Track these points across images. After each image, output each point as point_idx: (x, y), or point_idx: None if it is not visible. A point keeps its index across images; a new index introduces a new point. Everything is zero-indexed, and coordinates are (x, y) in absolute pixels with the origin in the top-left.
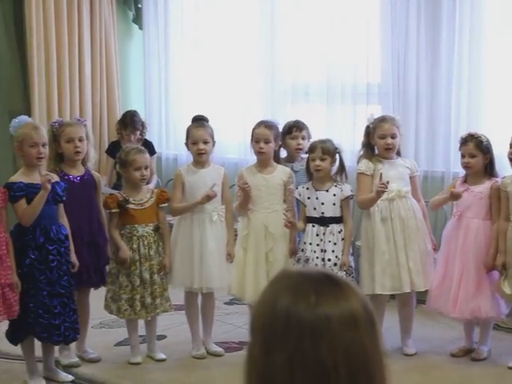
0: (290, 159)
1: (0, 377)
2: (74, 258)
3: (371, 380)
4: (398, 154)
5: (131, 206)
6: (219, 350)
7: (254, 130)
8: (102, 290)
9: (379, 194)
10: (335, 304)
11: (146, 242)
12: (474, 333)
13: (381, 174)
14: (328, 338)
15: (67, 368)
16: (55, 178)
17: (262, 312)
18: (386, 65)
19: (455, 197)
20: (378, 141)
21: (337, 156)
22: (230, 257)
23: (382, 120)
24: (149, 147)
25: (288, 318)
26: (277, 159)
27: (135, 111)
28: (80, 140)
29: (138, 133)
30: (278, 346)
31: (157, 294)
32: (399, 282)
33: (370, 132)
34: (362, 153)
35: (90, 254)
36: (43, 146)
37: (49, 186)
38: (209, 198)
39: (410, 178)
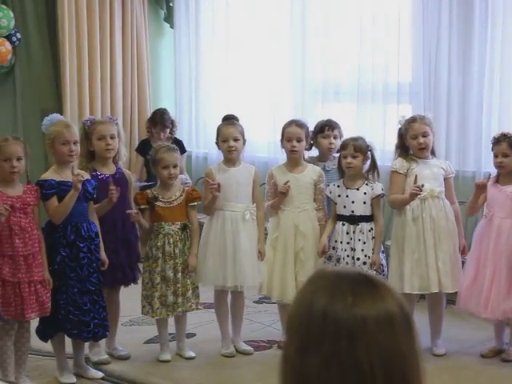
0: (321, 158)
1: (31, 373)
2: (103, 255)
3: (407, 382)
4: (433, 154)
5: (159, 203)
6: (248, 348)
7: (284, 128)
8: (131, 288)
9: (413, 196)
10: (372, 305)
11: (171, 240)
12: (505, 334)
13: (416, 176)
14: (364, 340)
15: (97, 365)
16: (86, 176)
17: (298, 312)
18: (417, 64)
19: (480, 187)
20: (411, 141)
21: (369, 154)
22: (260, 255)
23: (412, 120)
24: (179, 146)
25: (324, 319)
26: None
27: (165, 109)
28: (111, 138)
29: (168, 131)
30: (314, 347)
31: (179, 292)
32: (427, 281)
33: (402, 134)
34: (396, 155)
35: (123, 251)
36: (74, 143)
37: (80, 186)
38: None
39: (445, 179)
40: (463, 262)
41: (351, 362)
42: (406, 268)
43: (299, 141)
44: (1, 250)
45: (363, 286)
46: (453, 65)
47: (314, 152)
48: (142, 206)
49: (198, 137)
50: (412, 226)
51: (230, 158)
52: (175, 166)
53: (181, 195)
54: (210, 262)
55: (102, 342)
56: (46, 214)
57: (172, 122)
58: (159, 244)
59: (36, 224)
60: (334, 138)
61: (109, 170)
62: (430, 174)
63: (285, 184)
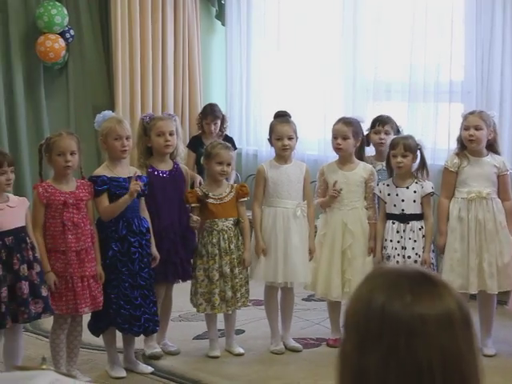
0: (379, 158)
1: (81, 367)
2: (154, 251)
3: (466, 382)
4: (493, 150)
5: (210, 200)
6: (297, 345)
7: (333, 126)
8: (180, 284)
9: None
10: (431, 304)
11: (226, 236)
12: None
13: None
14: (423, 338)
15: (150, 358)
16: (139, 172)
17: (356, 309)
18: (470, 62)
19: None
20: (463, 132)
21: (418, 153)
22: (311, 251)
23: (470, 113)
24: (229, 142)
25: (383, 317)
26: (360, 156)
27: (215, 103)
28: (170, 134)
29: (219, 123)
30: (372, 345)
31: (237, 287)
32: (467, 282)
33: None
34: (455, 149)
35: (181, 247)
36: (127, 139)
37: (135, 195)
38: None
39: (499, 176)
40: None
41: (410, 361)
42: (446, 266)
43: (345, 138)
44: (53, 246)
45: (422, 284)
46: (506, 63)
47: (372, 151)
48: (193, 205)
49: (249, 134)
50: (456, 225)
51: (283, 155)
52: (229, 164)
53: (231, 191)
54: (262, 257)
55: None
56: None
57: (223, 116)
58: (214, 241)
59: (89, 219)
60: (386, 133)
61: (166, 166)
62: (480, 173)
63: (334, 185)
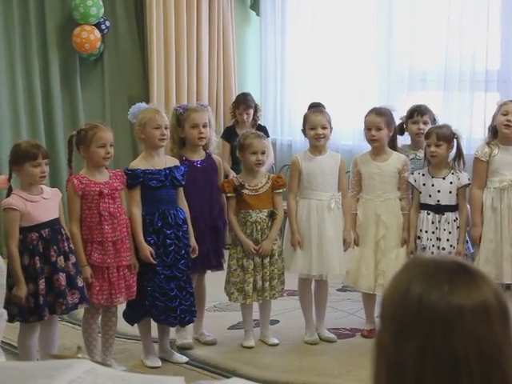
0: (414, 147)
1: (117, 356)
2: (193, 241)
3: (503, 374)
4: None
5: (246, 191)
6: (332, 336)
7: (365, 117)
8: (215, 274)
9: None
10: (468, 294)
11: (259, 228)
12: None
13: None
14: (460, 329)
15: (181, 349)
16: (176, 162)
17: (394, 298)
18: (507, 51)
19: None
20: (500, 117)
21: (454, 142)
22: (346, 243)
23: (510, 100)
24: (263, 131)
25: (420, 307)
26: (393, 146)
27: (248, 92)
28: (204, 126)
29: (252, 112)
30: (408, 334)
31: (267, 278)
32: (501, 271)
33: (495, 116)
34: (486, 138)
35: (210, 237)
36: (166, 128)
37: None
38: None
39: None
40: None
41: (446, 351)
42: (482, 257)
43: (379, 129)
44: (91, 237)
45: (460, 274)
46: None
47: (407, 139)
48: (229, 194)
49: (283, 124)
50: (491, 215)
51: (318, 145)
52: (263, 153)
53: (267, 182)
54: (298, 250)
55: (189, 326)
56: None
57: (256, 106)
58: (248, 231)
59: (124, 209)
60: (424, 123)
61: (199, 157)
62: (511, 160)
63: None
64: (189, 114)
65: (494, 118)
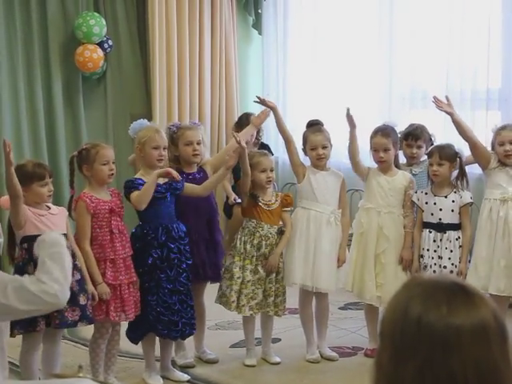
0: (408, 164)
1: (119, 374)
2: None
3: None
4: None
5: (261, 204)
6: (333, 354)
7: (371, 138)
8: (216, 291)
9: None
10: (466, 316)
11: (267, 242)
12: None
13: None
14: (459, 350)
15: (183, 368)
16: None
17: (393, 319)
18: (508, 69)
19: None
20: (498, 148)
21: (457, 161)
22: (339, 261)
23: (502, 128)
24: (266, 149)
25: (419, 327)
26: (396, 164)
27: (251, 112)
28: (198, 143)
29: (255, 132)
30: (407, 355)
31: (270, 293)
32: (489, 282)
33: (493, 142)
34: None
35: (207, 249)
36: (164, 149)
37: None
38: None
39: None
40: None
41: (445, 371)
42: (471, 263)
43: (386, 150)
44: (103, 255)
45: (458, 295)
46: None
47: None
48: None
49: None
50: (486, 225)
51: (319, 165)
52: (272, 170)
53: (276, 200)
54: (297, 260)
55: (189, 345)
56: (136, 218)
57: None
58: (255, 242)
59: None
60: (418, 147)
61: (192, 169)
62: None
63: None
64: (182, 132)
65: (492, 145)
